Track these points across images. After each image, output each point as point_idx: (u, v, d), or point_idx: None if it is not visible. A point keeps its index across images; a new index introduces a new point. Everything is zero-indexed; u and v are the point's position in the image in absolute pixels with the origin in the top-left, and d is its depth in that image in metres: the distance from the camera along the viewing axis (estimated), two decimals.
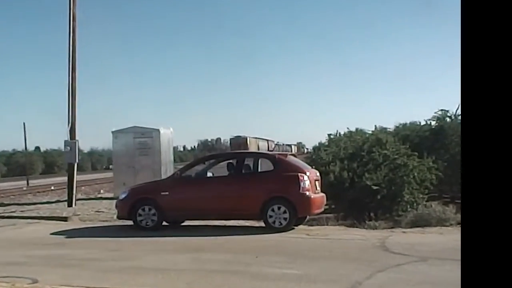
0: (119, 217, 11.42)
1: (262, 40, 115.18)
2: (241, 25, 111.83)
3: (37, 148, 70.59)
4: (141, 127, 19.37)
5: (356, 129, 16.68)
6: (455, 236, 8.43)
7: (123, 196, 11.27)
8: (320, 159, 13.75)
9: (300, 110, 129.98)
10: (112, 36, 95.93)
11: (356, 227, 11.08)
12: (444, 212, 10.89)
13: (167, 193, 10.77)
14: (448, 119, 16.44)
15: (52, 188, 26.68)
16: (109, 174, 40.72)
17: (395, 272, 6.54)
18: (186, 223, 11.31)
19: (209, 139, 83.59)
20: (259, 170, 11.03)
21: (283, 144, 69.59)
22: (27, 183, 34.19)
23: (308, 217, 11.01)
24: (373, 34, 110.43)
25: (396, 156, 12.91)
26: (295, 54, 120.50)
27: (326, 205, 11.59)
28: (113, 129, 19.44)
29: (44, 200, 19.33)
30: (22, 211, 15.30)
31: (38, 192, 24.96)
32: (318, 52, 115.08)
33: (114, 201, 12.57)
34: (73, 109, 16.60)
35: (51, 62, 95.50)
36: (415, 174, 12.60)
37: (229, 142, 60.21)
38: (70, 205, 16.09)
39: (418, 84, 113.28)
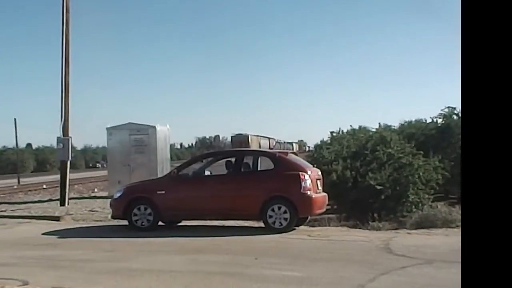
0: (113, 217, 11.31)
1: (262, 35, 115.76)
2: (241, 18, 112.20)
3: (29, 145, 70.63)
4: (137, 124, 19.31)
5: (360, 127, 16.66)
6: None
7: (118, 195, 11.16)
8: (322, 158, 13.74)
9: (301, 107, 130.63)
10: (107, 31, 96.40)
11: (359, 228, 11.07)
12: (450, 213, 10.87)
13: (163, 192, 10.63)
14: (455, 117, 16.29)
15: (44, 186, 26.63)
16: (98, 173, 40.79)
17: (399, 275, 6.46)
18: (183, 223, 11.22)
19: (207, 137, 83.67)
20: (258, 168, 10.93)
21: (284, 142, 69.75)
22: (18, 181, 34.17)
23: (309, 217, 10.89)
24: (374, 28, 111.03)
25: (400, 155, 12.97)
26: (296, 50, 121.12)
27: (328, 205, 11.51)
28: (108, 126, 19.28)
29: (36, 199, 19.42)
30: (12, 210, 15.26)
31: (30, 190, 24.87)
32: (318, 51, 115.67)
33: (109, 200, 12.52)
34: (66, 104, 16.39)
35: (43, 54, 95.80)
36: (421, 173, 12.68)
37: (229, 139, 60.54)
38: (62, 204, 16.02)
39: (423, 80, 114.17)
